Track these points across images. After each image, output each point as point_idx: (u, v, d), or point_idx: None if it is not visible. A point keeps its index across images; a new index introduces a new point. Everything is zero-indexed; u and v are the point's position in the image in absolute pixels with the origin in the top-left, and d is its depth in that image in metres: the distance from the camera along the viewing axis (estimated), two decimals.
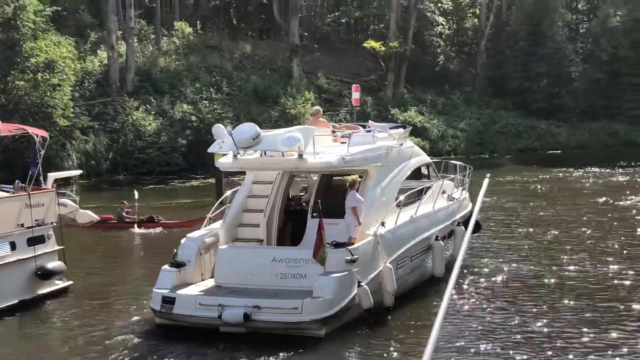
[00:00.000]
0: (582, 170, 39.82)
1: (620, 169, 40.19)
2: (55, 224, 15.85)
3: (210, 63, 49.45)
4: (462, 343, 12.17)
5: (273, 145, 13.46)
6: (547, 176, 37.79)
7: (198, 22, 53.73)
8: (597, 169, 40.28)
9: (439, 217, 16.50)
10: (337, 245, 13.11)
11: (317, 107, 17.61)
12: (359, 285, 12.90)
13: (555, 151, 55.13)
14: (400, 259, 14.46)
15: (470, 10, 76.33)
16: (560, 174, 38.48)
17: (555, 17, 64.64)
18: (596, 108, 63.84)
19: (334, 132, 15.92)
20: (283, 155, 13.61)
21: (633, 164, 42.99)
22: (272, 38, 63.67)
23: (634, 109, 64.14)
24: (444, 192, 17.55)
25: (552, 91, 61.79)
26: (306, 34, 62.66)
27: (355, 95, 45.79)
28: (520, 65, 62.42)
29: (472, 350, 11.95)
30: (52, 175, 17.61)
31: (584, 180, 35.87)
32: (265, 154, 13.81)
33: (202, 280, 13.85)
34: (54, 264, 15.51)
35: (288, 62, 54.21)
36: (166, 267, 13.70)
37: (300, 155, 13.41)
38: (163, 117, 41.87)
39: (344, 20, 71.86)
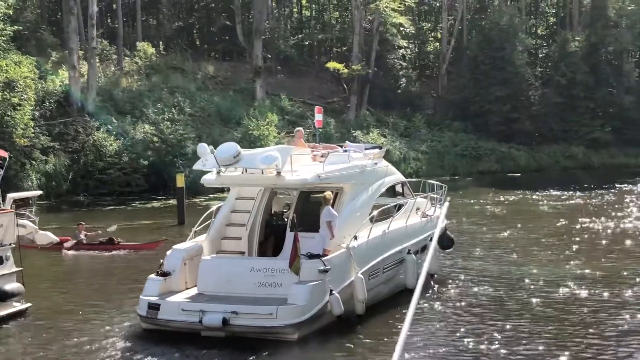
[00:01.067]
0: (541, 192, 40.42)
1: (578, 192, 40.85)
2: (13, 245, 15.67)
3: (172, 84, 49.43)
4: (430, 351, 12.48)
5: (252, 163, 14.43)
6: (507, 198, 38.28)
7: (161, 42, 53.70)
8: (555, 192, 40.92)
9: (411, 232, 17.37)
10: (311, 256, 14.02)
11: (299, 129, 18.62)
12: (330, 294, 13.75)
13: (514, 174, 55.90)
14: (372, 271, 15.28)
15: (432, 35, 77.54)
16: (520, 196, 39.02)
17: (515, 42, 65.73)
18: (555, 131, 64.99)
19: (314, 152, 16.74)
20: (262, 173, 14.58)
21: (591, 186, 43.78)
22: (235, 60, 63.85)
23: (591, 133, 65.41)
24: (418, 209, 18.42)
25: (512, 115, 62.74)
26: (269, 55, 62.95)
27: (318, 117, 45.58)
28: (481, 89, 63.32)
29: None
30: (11, 196, 17.50)
31: (541, 203, 36.37)
32: (246, 171, 14.79)
33: (187, 288, 14.71)
34: (12, 286, 15.31)
35: (251, 84, 54.39)
36: (152, 276, 14.57)
37: (279, 173, 14.34)
38: (124, 138, 41.66)
39: (307, 43, 72.40)
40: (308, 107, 55.23)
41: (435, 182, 20.69)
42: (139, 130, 42.12)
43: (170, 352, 12.86)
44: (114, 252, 22.92)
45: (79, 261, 22.34)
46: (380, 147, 18.93)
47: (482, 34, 68.42)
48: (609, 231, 26.54)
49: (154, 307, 13.81)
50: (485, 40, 66.05)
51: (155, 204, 37.03)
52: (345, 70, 58.22)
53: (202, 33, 71.17)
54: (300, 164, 15.29)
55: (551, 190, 41.39)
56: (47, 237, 23.04)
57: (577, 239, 24.93)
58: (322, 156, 16.17)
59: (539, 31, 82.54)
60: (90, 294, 17.74)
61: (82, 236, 23.56)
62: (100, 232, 24.33)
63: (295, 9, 79.18)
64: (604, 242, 24.37)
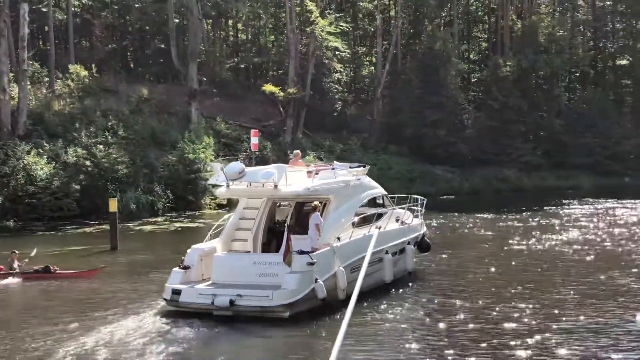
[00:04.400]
0: (473, 215, 41.28)
1: (511, 214, 41.87)
2: None
3: (106, 106, 49.01)
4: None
5: (255, 177, 18.27)
6: (440, 221, 38.93)
7: (94, 65, 53.22)
8: (487, 215, 41.85)
9: (389, 236, 20.73)
10: (301, 252, 17.57)
11: (297, 151, 22.61)
12: (316, 281, 17.17)
13: (448, 196, 56.82)
14: (353, 266, 18.44)
15: (367, 59, 78.62)
16: (454, 219, 39.75)
17: (448, 67, 67.09)
18: (488, 154, 66.37)
19: (309, 170, 20.01)
20: (263, 186, 18.21)
21: (522, 208, 44.93)
22: (170, 82, 63.68)
23: (523, 156, 67.08)
24: (397, 218, 22.07)
25: (446, 138, 63.87)
26: (205, 78, 63.00)
27: (254, 140, 46.18)
28: (415, 112, 64.34)
29: None
30: None
31: (473, 225, 37.16)
32: (250, 184, 18.43)
33: (203, 280, 18.31)
34: None
35: (186, 107, 54.29)
36: (176, 268, 18.25)
37: (275, 186, 17.96)
38: (56, 162, 41.10)
39: (243, 66, 72.66)
40: (244, 130, 55.39)
41: (419, 197, 24.51)
42: (71, 154, 41.62)
43: (187, 332, 15.83)
44: (49, 280, 22.38)
45: (11, 291, 21.56)
46: (364, 166, 22.20)
47: (417, 59, 69.74)
48: (539, 254, 27.30)
49: (176, 292, 17.41)
50: (420, 65, 67.31)
51: (88, 229, 36.59)
52: (282, 94, 58.66)
53: (136, 55, 70.84)
54: (296, 179, 18.88)
55: (482, 213, 42.31)
56: None
57: (507, 262, 25.59)
58: (316, 173, 19.59)
59: (471, 56, 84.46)
60: (21, 326, 17.42)
61: (15, 265, 23.02)
62: (27, 260, 23.76)
63: (231, 32, 79.44)
64: (534, 266, 25.03)
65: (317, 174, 19.60)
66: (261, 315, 16.62)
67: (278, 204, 20.49)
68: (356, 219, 19.67)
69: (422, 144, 63.72)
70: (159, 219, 40.80)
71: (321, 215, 18.55)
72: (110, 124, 46.26)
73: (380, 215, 20.97)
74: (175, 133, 49.39)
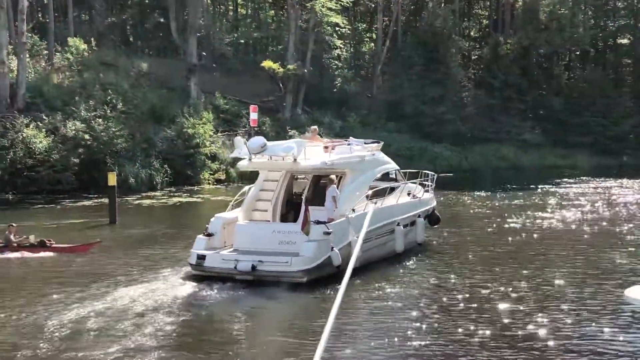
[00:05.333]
0: (472, 193, 41.32)
1: (509, 192, 41.91)
2: None
3: (105, 80, 48.79)
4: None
5: (275, 152, 19.32)
6: (439, 198, 38.89)
7: (93, 39, 52.92)
8: (485, 192, 41.87)
9: (400, 209, 21.86)
10: (318, 222, 18.57)
11: (314, 127, 23.95)
12: (332, 250, 18.17)
13: (447, 174, 56.76)
14: (366, 236, 18.86)
15: (368, 35, 78.24)
16: (451, 197, 39.75)
17: (449, 44, 66.86)
18: (487, 132, 66.35)
19: (326, 146, 20.90)
20: (283, 159, 19.21)
21: (520, 185, 44.96)
22: (169, 57, 63.42)
23: (522, 134, 67.08)
24: (409, 192, 23.23)
25: (445, 115, 63.80)
26: (204, 53, 62.72)
27: (253, 115, 46.26)
28: (415, 90, 64.19)
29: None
30: None
31: (472, 202, 37.21)
32: (270, 158, 19.35)
33: (225, 247, 19.43)
34: None
35: (185, 81, 54.11)
36: (200, 236, 19.28)
37: (295, 159, 19.00)
38: (55, 135, 41.00)
39: (242, 41, 72.32)
40: (243, 106, 55.24)
41: (430, 172, 25.67)
42: (70, 127, 41.52)
43: (212, 293, 17.13)
44: (46, 253, 22.38)
45: (8, 264, 21.55)
46: (378, 142, 23.36)
47: (417, 36, 69.47)
48: (538, 231, 27.38)
49: (201, 257, 18.45)
50: (420, 42, 67.07)
51: (86, 202, 36.57)
52: (281, 70, 58.39)
53: (136, 29, 70.48)
54: (314, 153, 19.82)
55: (482, 191, 42.32)
56: None
57: (505, 239, 25.69)
58: (332, 148, 20.46)
59: (472, 33, 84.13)
60: (17, 301, 17.46)
61: (12, 238, 22.94)
62: (26, 237, 23.62)
63: (230, 7, 79.00)
64: (533, 244, 25.11)
65: (333, 149, 20.54)
66: (280, 280, 17.64)
67: (296, 176, 21.58)
68: (370, 192, 20.70)
69: (421, 121, 63.63)
70: (158, 194, 40.81)
71: (337, 188, 19.60)
72: (109, 98, 46.08)
73: (392, 189, 22.28)
74: (175, 108, 49.27)
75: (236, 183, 46.23)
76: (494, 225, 28.89)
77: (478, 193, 41.42)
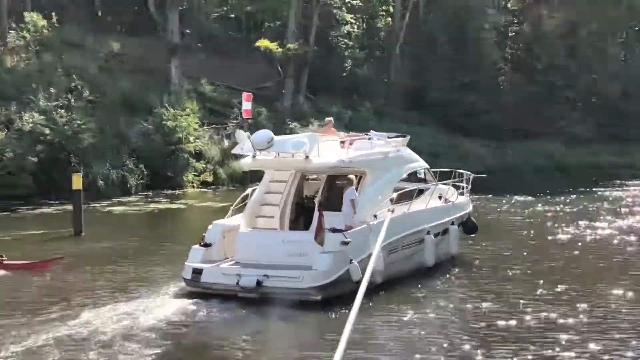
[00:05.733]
0: (510, 197, 41.19)
1: (555, 197, 41.74)
2: None
3: (68, 63, 48.77)
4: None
5: (284, 147, 19.50)
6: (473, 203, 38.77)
7: (54, 13, 52.93)
8: (526, 197, 41.71)
9: (431, 215, 22.13)
10: (334, 230, 18.52)
11: (330, 118, 24.47)
12: (350, 262, 18.11)
13: (481, 175, 56.52)
14: (391, 247, 19.80)
15: (383, 8, 77.98)
16: (486, 201, 39.64)
17: (481, 19, 66.69)
18: (527, 125, 66.06)
19: (342, 141, 21.19)
20: (292, 157, 19.41)
21: (568, 189, 44.81)
22: (146, 35, 63.37)
23: (570, 127, 66.74)
24: (440, 195, 23.39)
25: (477, 105, 63.63)
26: (188, 31, 62.69)
27: (247, 105, 46.26)
28: (441, 74, 64.07)
29: None
30: None
31: (512, 210, 37.11)
32: (278, 155, 19.55)
33: (225, 258, 19.59)
34: None
35: (165, 65, 54.08)
36: (195, 246, 19.47)
37: (307, 157, 19.12)
38: (8, 130, 40.99)
39: (233, 16, 72.24)
40: (235, 94, 55.14)
41: (465, 172, 25.91)
42: (27, 120, 41.48)
43: (209, 314, 17.34)
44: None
45: None
46: (404, 136, 23.43)
47: (443, 8, 69.34)
48: (589, 245, 27.29)
49: (197, 271, 18.67)
50: (447, 16, 66.94)
51: (46, 209, 36.56)
52: (280, 50, 58.32)
53: (106, 3, 70.46)
54: (329, 150, 20.07)
55: (522, 196, 42.17)
56: None
57: (550, 253, 25.60)
58: (350, 143, 20.68)
59: (509, 5, 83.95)
60: None
61: None
62: None
63: None
64: (583, 261, 25.04)
65: (351, 144, 20.70)
66: (290, 298, 17.61)
67: (307, 177, 21.73)
68: (395, 195, 20.45)
69: (448, 112, 63.50)
70: (132, 199, 40.78)
71: (356, 190, 19.69)
72: (73, 84, 46.03)
73: (421, 192, 22.34)
74: (152, 96, 49.25)
75: (226, 186, 46.21)
76: (538, 235, 28.88)
77: (518, 197, 41.32)
